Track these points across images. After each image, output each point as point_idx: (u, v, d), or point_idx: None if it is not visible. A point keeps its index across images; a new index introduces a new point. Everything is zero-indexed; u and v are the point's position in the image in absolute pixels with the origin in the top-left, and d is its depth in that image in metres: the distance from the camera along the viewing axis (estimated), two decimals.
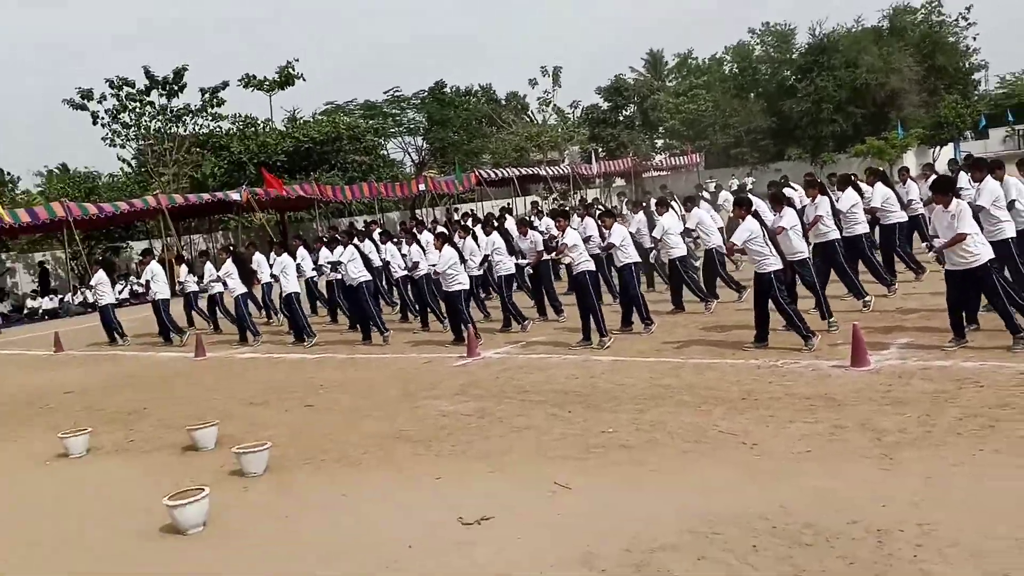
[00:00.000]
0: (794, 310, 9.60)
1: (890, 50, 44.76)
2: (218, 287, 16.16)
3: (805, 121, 45.65)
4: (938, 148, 46.12)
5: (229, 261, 15.39)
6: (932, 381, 7.61)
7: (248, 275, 15.52)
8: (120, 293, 25.48)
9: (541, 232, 14.58)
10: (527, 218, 18.66)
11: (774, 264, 9.55)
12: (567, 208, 15.12)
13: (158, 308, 16.41)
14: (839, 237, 11.61)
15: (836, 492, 5.37)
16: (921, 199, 13.81)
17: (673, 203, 15.76)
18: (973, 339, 8.84)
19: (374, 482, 6.71)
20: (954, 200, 8.60)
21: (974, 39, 48.15)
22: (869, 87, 44.21)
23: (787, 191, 13.48)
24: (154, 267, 16.69)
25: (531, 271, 14.11)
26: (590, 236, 13.76)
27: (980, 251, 8.43)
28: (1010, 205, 10.18)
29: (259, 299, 17.55)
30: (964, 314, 8.82)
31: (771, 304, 9.60)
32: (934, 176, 11.70)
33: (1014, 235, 9.83)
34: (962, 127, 46.48)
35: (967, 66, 48.60)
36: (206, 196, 30.17)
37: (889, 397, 7.29)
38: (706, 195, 21.04)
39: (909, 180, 14.71)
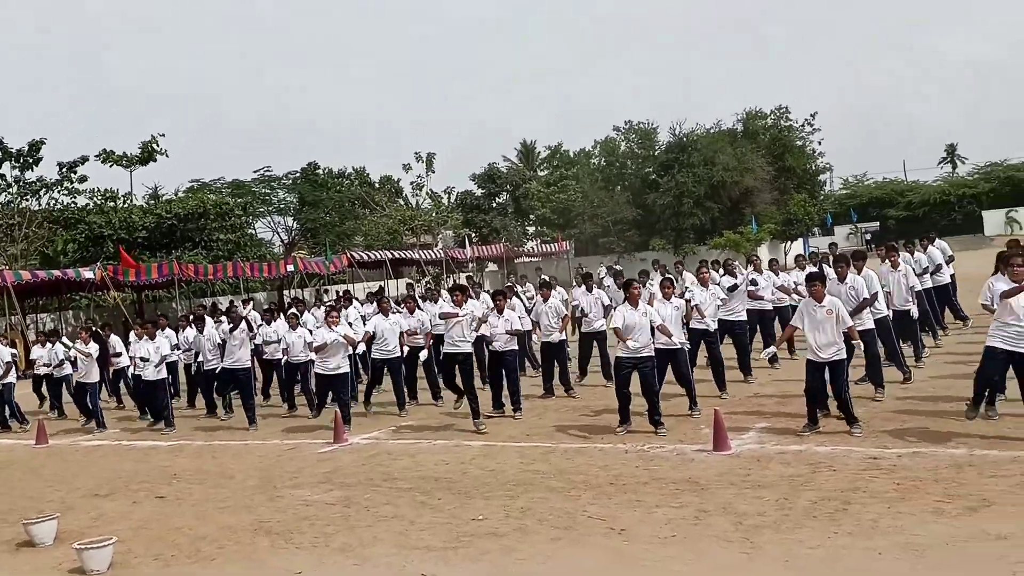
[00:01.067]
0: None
1: (744, 151, 47.89)
2: (68, 369, 15.22)
3: (667, 214, 47.96)
4: (789, 243, 49.21)
5: (92, 342, 14.46)
6: (789, 465, 7.89)
7: (105, 358, 14.65)
8: None
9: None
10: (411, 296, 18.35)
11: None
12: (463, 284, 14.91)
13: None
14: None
15: None
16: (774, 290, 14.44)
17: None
18: (825, 424, 9.26)
19: None
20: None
21: (819, 143, 52.30)
22: (725, 184, 47.00)
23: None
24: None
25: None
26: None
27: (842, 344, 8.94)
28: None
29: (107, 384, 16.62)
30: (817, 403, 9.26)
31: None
32: (809, 270, 12.62)
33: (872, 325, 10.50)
34: (810, 224, 49.98)
35: (814, 168, 52.52)
36: (56, 273, 28.54)
37: (749, 481, 7.50)
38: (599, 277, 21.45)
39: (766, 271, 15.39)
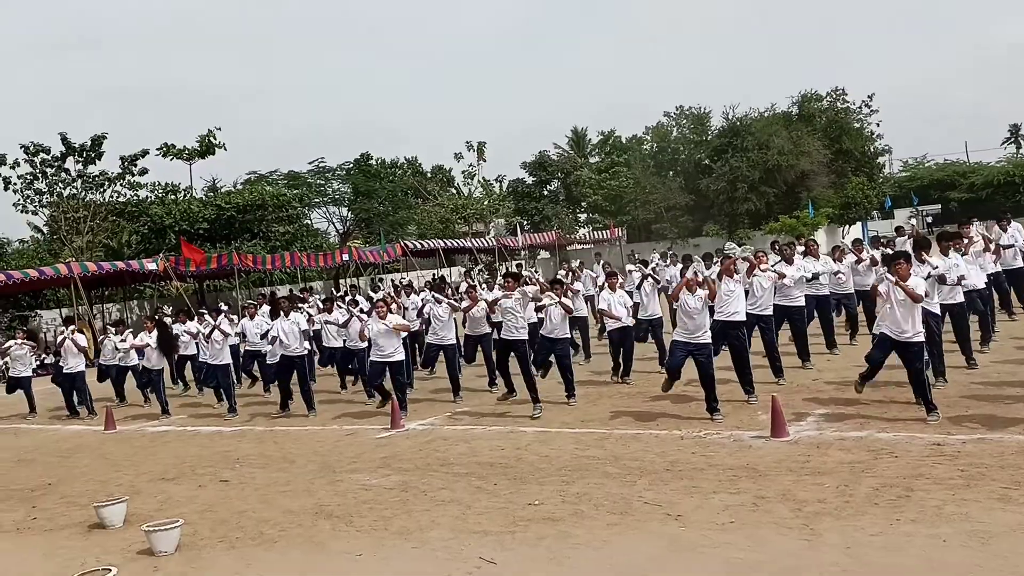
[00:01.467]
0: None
1: (799, 134, 46.95)
2: (134, 358, 15.75)
3: (721, 199, 47.32)
4: (847, 227, 48.22)
5: (154, 331, 14.88)
6: (849, 451, 7.78)
7: (170, 345, 15.02)
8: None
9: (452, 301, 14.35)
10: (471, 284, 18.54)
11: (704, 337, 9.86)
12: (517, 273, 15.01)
13: (72, 379, 15.72)
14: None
15: (761, 564, 5.39)
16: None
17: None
18: (886, 411, 9.10)
19: (291, 561, 6.46)
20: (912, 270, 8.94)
21: (878, 125, 50.99)
22: (780, 168, 46.16)
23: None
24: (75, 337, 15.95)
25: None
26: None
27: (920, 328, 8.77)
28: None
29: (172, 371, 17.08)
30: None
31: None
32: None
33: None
34: (869, 207, 48.85)
35: (872, 150, 51.28)
36: (120, 264, 29.32)
37: (808, 467, 7.42)
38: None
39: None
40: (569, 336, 12.11)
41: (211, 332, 14.16)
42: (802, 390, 10.90)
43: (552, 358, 11.70)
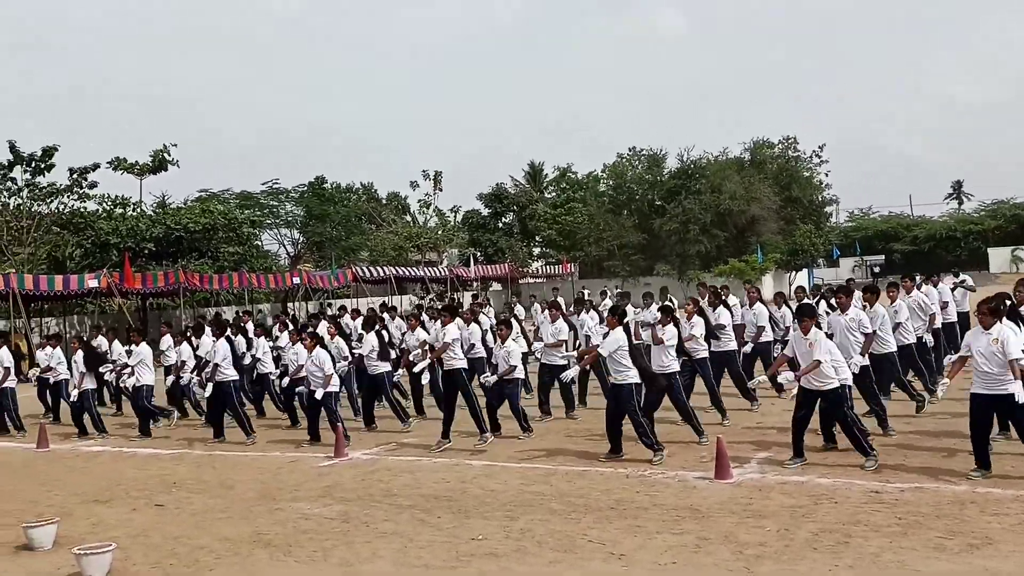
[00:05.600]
0: (646, 422, 9.80)
1: (751, 180, 47.97)
2: (63, 374, 15.40)
3: (673, 239, 48.02)
4: (794, 273, 49.23)
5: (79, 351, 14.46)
6: (791, 496, 7.87)
7: (98, 364, 14.60)
8: None
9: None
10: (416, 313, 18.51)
11: (633, 377, 9.73)
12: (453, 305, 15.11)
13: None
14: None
15: None
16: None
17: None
18: (826, 457, 9.24)
19: None
20: (812, 328, 9.06)
21: (826, 175, 52.39)
22: (732, 212, 47.08)
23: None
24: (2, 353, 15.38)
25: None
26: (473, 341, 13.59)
27: (835, 376, 8.88)
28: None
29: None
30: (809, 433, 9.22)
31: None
32: (800, 302, 12.54)
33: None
34: (815, 255, 50.01)
35: (820, 199, 52.59)
36: (59, 283, 28.40)
37: (750, 510, 7.48)
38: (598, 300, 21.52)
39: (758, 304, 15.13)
40: (521, 377, 12.10)
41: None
42: (747, 433, 11.02)
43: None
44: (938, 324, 13.82)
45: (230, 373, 12.88)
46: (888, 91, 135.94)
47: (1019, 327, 8.56)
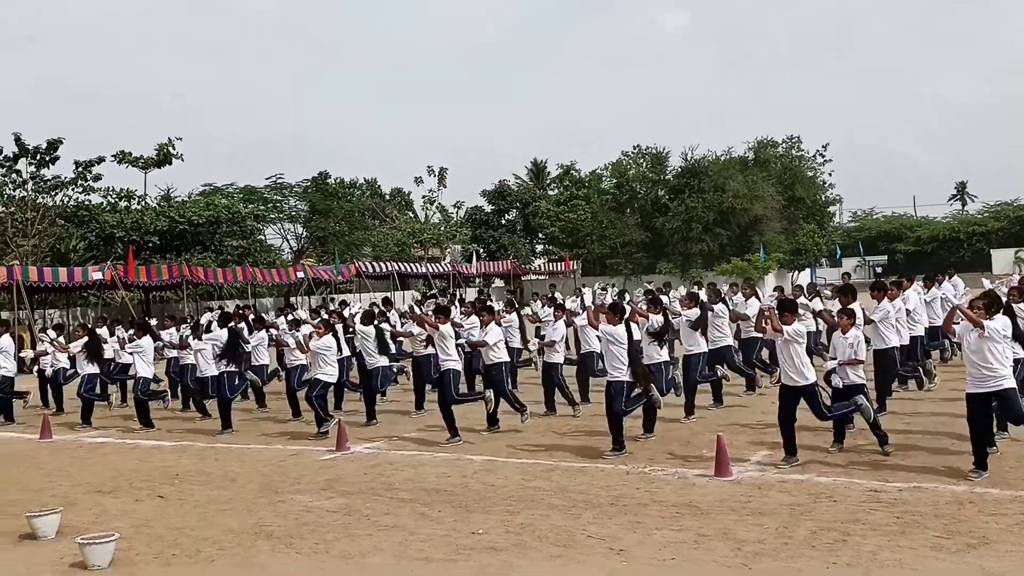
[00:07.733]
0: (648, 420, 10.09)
1: (755, 179, 47.92)
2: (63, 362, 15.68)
3: (676, 238, 47.99)
4: (796, 272, 49.23)
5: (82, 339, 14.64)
6: (790, 494, 7.91)
7: (98, 353, 14.77)
8: None
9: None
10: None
11: (623, 376, 9.89)
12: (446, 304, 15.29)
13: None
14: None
15: None
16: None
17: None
18: (826, 456, 9.28)
19: None
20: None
21: (830, 175, 52.34)
22: (735, 211, 47.02)
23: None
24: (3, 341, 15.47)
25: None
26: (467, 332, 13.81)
27: (811, 376, 9.03)
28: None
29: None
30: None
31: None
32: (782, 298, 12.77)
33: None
34: (818, 254, 49.97)
35: (823, 199, 52.55)
36: (63, 275, 28.47)
37: (749, 508, 7.52)
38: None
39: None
40: (505, 361, 12.12)
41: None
42: (746, 430, 11.06)
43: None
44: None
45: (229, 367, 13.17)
46: (893, 93, 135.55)
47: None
